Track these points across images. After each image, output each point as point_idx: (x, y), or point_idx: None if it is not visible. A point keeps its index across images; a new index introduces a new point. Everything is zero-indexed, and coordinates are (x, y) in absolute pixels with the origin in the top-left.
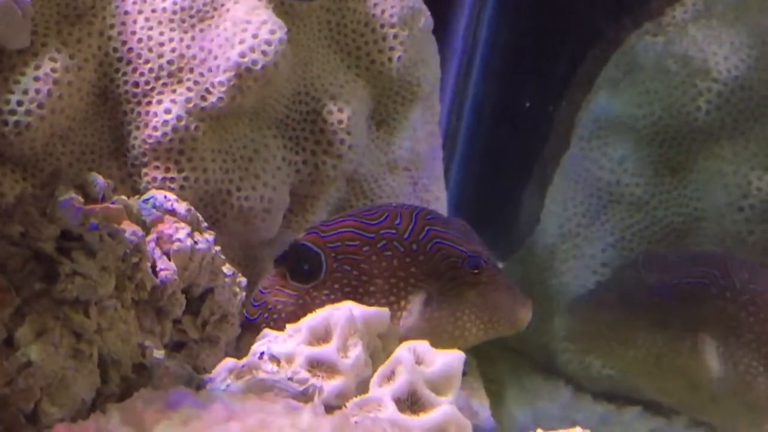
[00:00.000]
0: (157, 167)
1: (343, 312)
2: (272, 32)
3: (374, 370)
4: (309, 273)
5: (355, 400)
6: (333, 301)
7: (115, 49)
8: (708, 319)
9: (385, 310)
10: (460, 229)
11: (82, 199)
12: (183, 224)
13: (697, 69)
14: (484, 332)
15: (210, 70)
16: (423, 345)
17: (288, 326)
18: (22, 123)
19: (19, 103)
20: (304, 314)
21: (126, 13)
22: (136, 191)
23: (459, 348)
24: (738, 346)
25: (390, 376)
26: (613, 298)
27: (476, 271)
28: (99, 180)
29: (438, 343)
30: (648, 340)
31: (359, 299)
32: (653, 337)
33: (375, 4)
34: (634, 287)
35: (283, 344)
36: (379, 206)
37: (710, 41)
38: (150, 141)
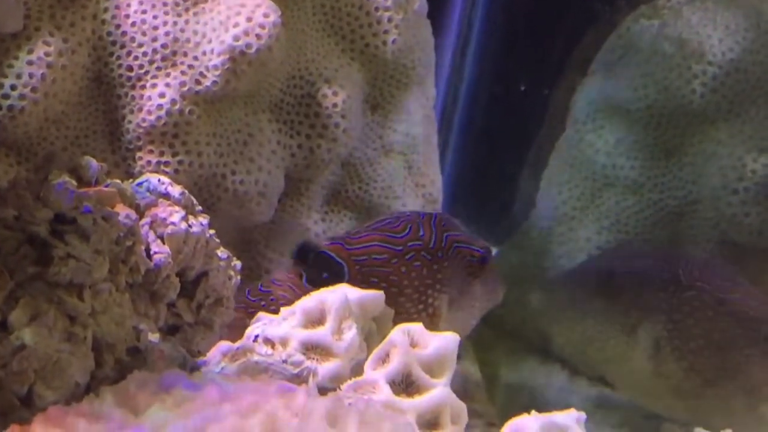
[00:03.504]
0: (151, 151)
1: (338, 295)
2: (266, 15)
3: (369, 353)
4: (326, 282)
5: (350, 382)
6: None
7: (109, 33)
8: (650, 309)
9: (379, 293)
10: (460, 227)
11: (75, 183)
12: (177, 208)
13: (692, 52)
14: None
15: (204, 53)
16: (417, 327)
17: (282, 309)
18: (16, 107)
19: (13, 88)
20: None
21: None
22: (130, 175)
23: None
24: (674, 339)
25: (384, 359)
26: (579, 277)
27: (485, 266)
28: (92, 163)
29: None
30: (598, 319)
31: None
32: (603, 318)
33: None
34: (596, 269)
35: (277, 327)
36: (399, 217)
37: (705, 24)
38: (144, 125)
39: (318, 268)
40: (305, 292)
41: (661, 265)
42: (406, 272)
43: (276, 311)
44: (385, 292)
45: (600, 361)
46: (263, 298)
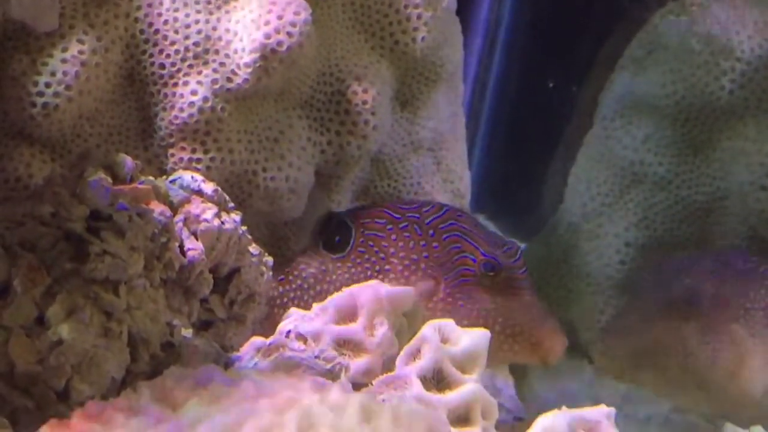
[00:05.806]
0: (183, 148)
1: (370, 291)
2: (297, 13)
3: (400, 349)
4: (339, 245)
5: (382, 378)
6: (352, 275)
7: (142, 31)
8: (735, 307)
9: (410, 289)
10: (491, 235)
11: (110, 180)
12: (210, 204)
13: (720, 48)
14: (497, 345)
15: (236, 51)
16: (448, 324)
17: (314, 305)
18: (50, 104)
19: (47, 85)
20: (324, 281)
21: None
22: (162, 172)
23: None
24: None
25: (416, 355)
26: (640, 313)
27: (491, 273)
28: (127, 161)
29: None
30: (688, 343)
31: (375, 277)
32: (692, 340)
33: None
34: (662, 295)
35: (310, 323)
36: (425, 200)
37: (734, 21)
38: (176, 122)
39: (330, 230)
40: (321, 255)
41: (716, 266)
42: (396, 240)
43: (302, 283)
44: (375, 258)
45: (699, 388)
46: (288, 273)
